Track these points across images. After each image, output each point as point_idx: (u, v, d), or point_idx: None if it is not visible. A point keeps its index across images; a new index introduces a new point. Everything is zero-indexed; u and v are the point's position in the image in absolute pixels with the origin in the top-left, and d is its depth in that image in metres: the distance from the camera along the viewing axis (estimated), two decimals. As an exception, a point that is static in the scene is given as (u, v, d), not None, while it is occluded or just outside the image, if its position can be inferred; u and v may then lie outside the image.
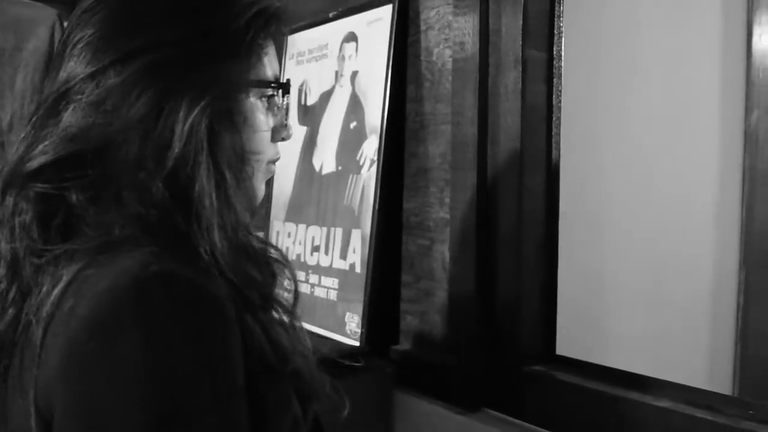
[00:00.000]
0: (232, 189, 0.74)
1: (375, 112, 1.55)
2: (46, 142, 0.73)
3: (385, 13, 1.56)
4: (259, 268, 0.76)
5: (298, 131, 1.82)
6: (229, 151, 0.75)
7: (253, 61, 0.80)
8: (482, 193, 1.36)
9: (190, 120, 0.72)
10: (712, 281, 1.88)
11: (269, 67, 0.83)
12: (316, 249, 1.68)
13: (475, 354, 1.35)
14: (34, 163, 0.72)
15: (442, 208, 1.45)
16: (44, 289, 0.69)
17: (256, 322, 0.72)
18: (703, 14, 1.98)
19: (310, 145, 1.77)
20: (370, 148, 1.55)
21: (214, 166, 0.72)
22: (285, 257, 0.81)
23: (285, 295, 0.79)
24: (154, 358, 0.63)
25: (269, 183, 1.87)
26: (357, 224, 1.56)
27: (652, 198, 1.82)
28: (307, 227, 1.73)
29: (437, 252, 1.46)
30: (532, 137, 1.33)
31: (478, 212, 1.35)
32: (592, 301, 1.67)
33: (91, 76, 0.73)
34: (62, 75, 0.75)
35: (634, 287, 1.78)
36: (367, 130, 1.57)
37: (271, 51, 0.83)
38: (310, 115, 1.79)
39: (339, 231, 1.61)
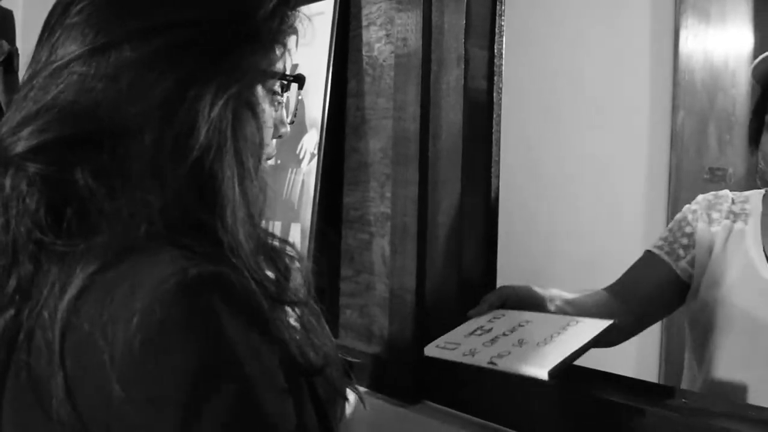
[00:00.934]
0: (251, 181, 0.70)
1: (316, 106, 1.54)
2: (47, 118, 0.66)
3: (327, 7, 1.56)
4: (275, 264, 0.72)
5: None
6: (250, 141, 0.71)
7: (274, 50, 0.77)
8: (423, 188, 1.37)
9: (217, 108, 0.68)
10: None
11: (285, 59, 0.80)
12: (254, 243, 1.67)
13: (414, 347, 1.36)
14: (32, 141, 0.65)
15: (382, 202, 1.46)
16: (52, 291, 0.62)
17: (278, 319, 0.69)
18: (632, 18, 2.04)
19: (248, 138, 1.75)
20: (310, 142, 1.55)
21: (236, 156, 0.69)
22: (298, 252, 0.77)
23: (300, 291, 0.75)
24: (225, 360, 0.59)
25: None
26: (296, 218, 1.55)
27: (584, 195, 1.87)
28: (244, 221, 1.71)
29: (377, 246, 1.47)
30: (474, 134, 1.35)
31: (419, 207, 1.36)
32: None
33: (102, 49, 0.67)
34: (64, 43, 0.68)
35: (567, 283, 1.82)
36: (308, 123, 1.56)
37: (289, 43, 0.80)
38: (248, 108, 1.77)
39: (278, 225, 1.60)
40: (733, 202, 1.43)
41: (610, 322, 1.08)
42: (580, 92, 1.86)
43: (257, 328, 0.63)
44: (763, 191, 1.41)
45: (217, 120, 0.68)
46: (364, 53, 1.50)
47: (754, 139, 1.38)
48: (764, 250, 1.35)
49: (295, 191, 1.57)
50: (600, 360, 1.36)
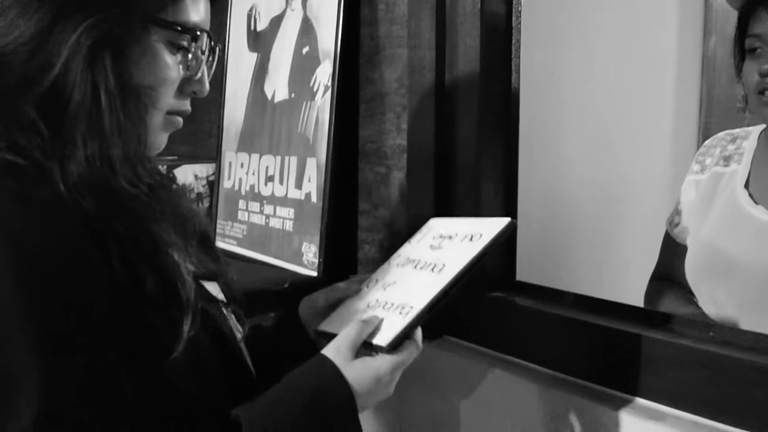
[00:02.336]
0: (107, 119, 0.73)
1: (328, 36, 1.49)
2: None
3: (338, -69, 1.50)
4: (141, 199, 0.75)
5: (248, 58, 1.76)
6: (111, 78, 0.74)
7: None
8: (440, 119, 1.32)
9: (74, 38, 0.72)
10: (668, 208, 1.89)
11: (191, 12, 0.81)
12: (270, 179, 1.64)
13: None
14: None
15: (399, 134, 1.41)
16: None
17: (124, 247, 0.72)
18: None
19: (261, 72, 1.71)
20: (324, 74, 1.50)
21: (92, 91, 0.72)
22: (180, 188, 0.86)
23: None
24: None
25: (218, 112, 1.81)
26: (312, 153, 1.51)
27: (610, 124, 1.81)
28: (260, 157, 1.68)
29: (395, 179, 1.43)
30: (492, 61, 1.29)
31: (437, 138, 1.32)
32: (552, 227, 1.67)
33: None
34: None
35: (591, 215, 1.78)
36: (321, 55, 1.52)
37: None
38: (261, 41, 1.72)
39: (293, 160, 1.57)
40: (733, 141, 1.35)
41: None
42: (605, 17, 1.78)
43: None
44: (762, 127, 1.32)
45: (76, 51, 0.72)
46: (377, -21, 1.44)
47: (737, 68, 1.29)
48: (748, 188, 1.27)
49: (309, 125, 1.53)
50: (629, 293, 1.33)
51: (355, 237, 1.53)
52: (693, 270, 1.30)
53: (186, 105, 0.86)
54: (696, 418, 1.00)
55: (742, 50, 1.23)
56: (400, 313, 0.87)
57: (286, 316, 1.03)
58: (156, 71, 0.79)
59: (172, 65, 0.80)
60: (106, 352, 0.70)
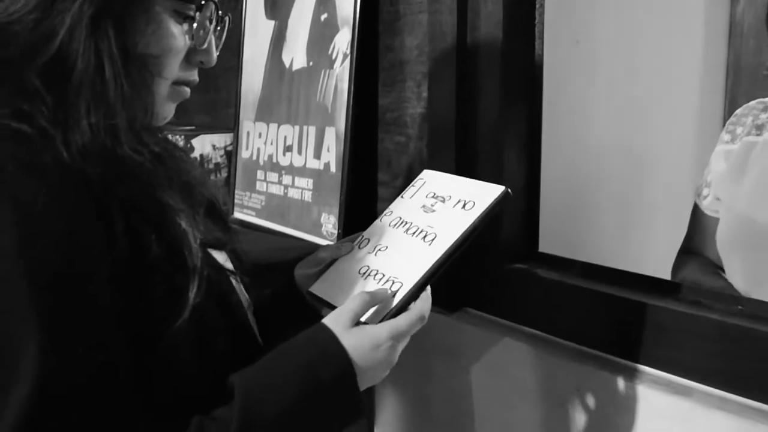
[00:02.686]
0: (112, 88, 0.73)
1: (347, 3, 1.46)
2: None
3: None
4: (146, 168, 0.75)
5: (266, 26, 1.73)
6: (114, 47, 0.73)
7: None
8: (462, 86, 1.29)
9: (76, 6, 0.71)
10: (695, 177, 1.85)
11: None
12: (288, 149, 1.62)
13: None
14: None
15: (419, 103, 1.38)
16: None
17: (129, 214, 0.72)
18: None
19: (278, 40, 1.68)
20: (343, 41, 1.47)
21: (95, 59, 0.72)
22: (185, 154, 0.85)
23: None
24: None
25: (236, 81, 1.79)
26: (331, 122, 1.49)
27: (635, 90, 1.77)
28: (278, 126, 1.66)
29: (415, 149, 1.40)
30: (515, 26, 1.26)
31: (458, 106, 1.29)
32: (575, 196, 1.63)
33: None
34: None
35: (616, 181, 1.75)
36: (339, 22, 1.48)
37: None
38: (279, 8, 1.69)
39: (312, 129, 1.55)
40: (765, 109, 1.31)
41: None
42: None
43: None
44: None
45: (79, 21, 0.72)
46: (397, -58, 1.41)
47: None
48: None
49: (328, 94, 1.50)
50: (652, 265, 1.30)
51: (374, 208, 1.51)
52: (726, 242, 1.26)
53: (193, 75, 0.85)
54: (723, 393, 0.98)
55: None
56: (390, 289, 0.87)
57: (284, 283, 1.03)
58: (161, 41, 0.78)
59: (177, 35, 0.79)
60: (109, 319, 0.70)
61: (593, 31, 1.67)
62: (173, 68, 0.81)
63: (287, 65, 1.65)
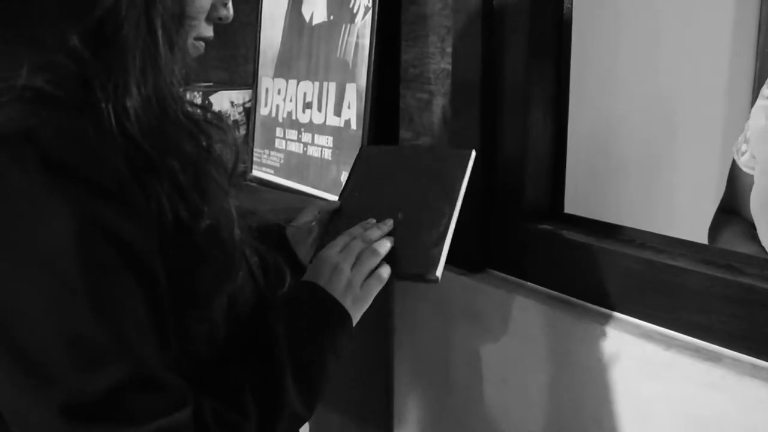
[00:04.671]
0: (162, 52, 0.71)
1: (369, -45, 1.42)
2: None
3: None
4: (190, 136, 0.74)
5: (285, -21, 1.68)
6: (166, 10, 0.71)
7: None
8: (487, 41, 1.25)
9: None
10: (722, 143, 1.81)
11: None
12: (308, 106, 1.59)
13: (478, 213, 1.28)
14: None
15: (443, 58, 1.34)
16: None
17: (171, 186, 0.71)
18: None
19: (299, -7, 1.64)
20: (364, -5, 1.43)
21: (147, 23, 0.69)
22: (227, 125, 0.82)
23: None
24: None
25: (254, 36, 1.75)
26: (351, 78, 1.45)
27: (664, 49, 1.72)
28: (297, 83, 1.62)
29: (438, 106, 1.37)
30: (543, -22, 1.22)
31: (483, 62, 1.25)
32: (601, 156, 1.60)
33: None
34: None
35: (642, 147, 1.71)
36: (361, -26, 1.44)
37: None
38: (299, -39, 1.65)
39: (332, 86, 1.51)
40: None
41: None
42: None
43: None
44: None
45: None
46: None
47: None
48: None
49: (349, 49, 1.47)
50: (678, 229, 1.27)
51: (395, 166, 1.48)
52: (759, 203, 1.22)
53: (210, 31, 0.83)
54: (755, 360, 0.95)
55: None
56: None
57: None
58: (198, 1, 0.77)
59: None
60: (146, 286, 0.69)
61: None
62: (201, 24, 0.80)
63: (307, 20, 1.61)
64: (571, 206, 1.28)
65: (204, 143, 0.77)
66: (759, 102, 1.28)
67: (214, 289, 0.75)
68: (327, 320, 0.88)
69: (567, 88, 1.27)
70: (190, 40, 0.79)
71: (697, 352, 1.00)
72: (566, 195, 1.28)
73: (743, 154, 1.29)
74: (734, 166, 1.32)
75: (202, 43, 0.83)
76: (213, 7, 0.81)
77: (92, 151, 0.66)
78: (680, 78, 1.76)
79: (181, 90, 0.76)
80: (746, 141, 1.29)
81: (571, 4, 1.24)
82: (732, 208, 1.33)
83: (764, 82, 1.28)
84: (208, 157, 0.77)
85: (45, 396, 0.64)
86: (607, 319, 1.11)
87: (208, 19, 0.82)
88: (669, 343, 1.02)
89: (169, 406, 0.68)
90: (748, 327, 0.96)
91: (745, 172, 1.28)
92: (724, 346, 0.99)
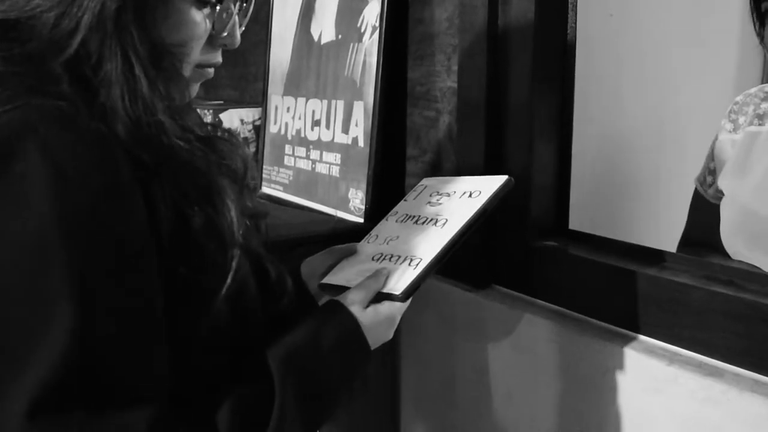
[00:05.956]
0: (144, 84, 0.72)
1: (377, -25, 1.44)
2: None
3: None
4: (195, 149, 0.75)
5: (295, -2, 1.71)
6: (140, 42, 0.72)
7: None
8: (492, 60, 1.27)
9: (97, 3, 0.70)
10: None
11: None
12: (316, 123, 1.61)
13: (484, 229, 1.29)
14: None
15: (449, 76, 1.36)
16: None
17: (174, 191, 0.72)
18: None
19: (307, 12, 1.67)
20: (372, 14, 1.45)
21: (122, 56, 0.71)
22: (236, 138, 0.83)
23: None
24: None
25: (264, 55, 1.78)
26: (359, 96, 1.47)
27: (670, 67, 1.73)
28: (306, 101, 1.64)
29: (444, 124, 1.39)
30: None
31: (488, 80, 1.27)
32: (607, 174, 1.61)
33: None
34: None
35: (649, 162, 1.72)
36: (369, -6, 1.46)
37: None
38: (308, -19, 1.67)
39: (340, 104, 1.53)
40: (767, 98, 1.28)
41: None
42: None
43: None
44: None
45: (101, 17, 0.70)
46: None
47: (759, 35, 1.23)
48: None
49: (357, 68, 1.49)
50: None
51: (402, 183, 1.49)
52: (729, 235, 1.23)
53: (217, 57, 0.84)
54: (756, 375, 0.96)
55: (760, 15, 1.18)
56: (410, 264, 0.89)
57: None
58: (183, 29, 0.77)
59: (199, 21, 0.78)
60: (144, 291, 0.69)
61: (627, 2, 1.64)
62: (197, 53, 0.80)
63: (316, 39, 1.63)
64: (575, 222, 1.29)
65: (213, 156, 0.78)
66: (722, 136, 1.31)
67: (212, 290, 0.75)
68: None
69: (571, 106, 1.29)
70: (190, 66, 0.80)
71: (699, 367, 1.01)
72: (571, 211, 1.30)
73: (710, 185, 1.32)
74: (698, 198, 1.35)
75: (209, 70, 0.84)
76: (215, 35, 0.82)
77: (95, 147, 0.67)
78: (686, 96, 1.77)
79: (182, 109, 0.77)
80: (711, 172, 1.31)
81: (575, 23, 1.26)
82: (699, 240, 1.34)
83: None
84: (218, 168, 0.78)
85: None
86: (610, 334, 1.12)
87: (213, 45, 0.83)
88: (671, 359, 1.03)
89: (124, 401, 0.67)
90: (749, 342, 0.97)
91: (713, 204, 1.30)
92: (725, 362, 0.99)
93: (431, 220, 0.96)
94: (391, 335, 0.90)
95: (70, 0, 0.70)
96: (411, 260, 0.90)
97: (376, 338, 0.87)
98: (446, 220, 0.93)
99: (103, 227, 0.66)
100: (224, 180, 0.78)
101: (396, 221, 1.02)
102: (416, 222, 0.98)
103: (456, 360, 1.37)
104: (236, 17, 0.84)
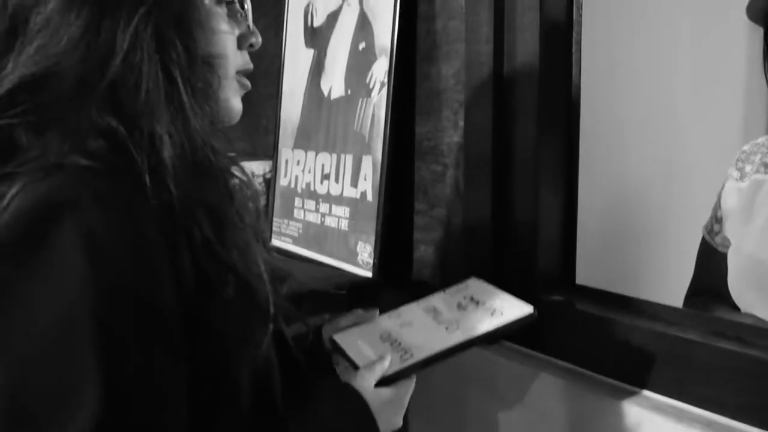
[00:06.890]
0: (187, 97, 0.71)
1: (385, 32, 1.47)
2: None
3: (394, -76, 1.46)
4: (216, 187, 0.74)
5: (305, 54, 1.74)
6: (182, 55, 0.71)
7: None
8: (498, 114, 1.28)
9: (131, 27, 0.69)
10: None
11: None
12: (326, 177, 1.62)
13: (491, 283, 1.29)
14: None
15: (456, 131, 1.38)
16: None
17: (201, 244, 0.71)
18: None
19: (317, 68, 1.69)
20: (380, 70, 1.47)
21: (163, 72, 0.70)
22: (249, 178, 0.81)
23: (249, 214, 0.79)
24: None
25: (275, 108, 1.80)
26: (368, 150, 1.49)
27: (674, 117, 1.74)
28: (316, 154, 1.66)
29: (451, 178, 1.40)
30: (551, 54, 1.25)
31: (494, 134, 1.28)
32: (614, 227, 1.61)
33: (35, 4, 0.71)
34: (9, 8, 0.72)
35: (658, 215, 1.72)
36: (377, 51, 1.49)
37: None
38: (318, 38, 1.70)
39: (349, 158, 1.55)
40: None
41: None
42: (671, 15, 1.72)
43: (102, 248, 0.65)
44: None
45: (137, 38, 0.69)
46: (433, -27, 1.41)
47: None
48: None
49: (365, 123, 1.51)
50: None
51: (410, 237, 1.50)
52: (736, 284, 1.23)
53: (248, 62, 0.85)
54: (767, 433, 0.95)
55: None
56: (401, 357, 0.97)
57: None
58: (219, 34, 0.78)
59: (228, 27, 0.80)
60: (172, 359, 0.68)
61: (631, 54, 1.65)
62: (232, 58, 0.81)
63: (325, 94, 1.65)
64: (582, 273, 1.29)
65: (229, 188, 0.77)
66: (729, 184, 1.31)
67: (237, 350, 0.74)
68: None
69: (577, 159, 1.29)
70: (230, 79, 0.80)
71: (709, 426, 0.99)
72: (579, 265, 1.30)
73: (717, 234, 1.32)
74: (706, 246, 1.34)
75: (246, 80, 0.84)
76: (242, 37, 0.83)
77: (127, 218, 0.66)
78: (692, 145, 1.77)
79: (209, 137, 0.75)
80: (718, 221, 1.31)
81: (579, 76, 1.27)
82: (708, 289, 1.33)
83: None
84: (232, 202, 0.76)
85: None
86: (619, 391, 1.11)
87: (241, 49, 0.83)
88: (680, 416, 1.02)
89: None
90: (758, 400, 0.96)
91: (721, 252, 1.30)
92: (735, 419, 0.98)
93: (446, 322, 1.03)
94: (399, 422, 0.93)
95: (95, 33, 0.69)
96: (405, 353, 0.97)
97: (386, 421, 0.90)
98: (457, 328, 1.01)
99: (132, 299, 0.65)
100: (241, 219, 0.76)
101: (422, 309, 1.09)
102: (434, 318, 1.05)
103: (465, 416, 1.36)
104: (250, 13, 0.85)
